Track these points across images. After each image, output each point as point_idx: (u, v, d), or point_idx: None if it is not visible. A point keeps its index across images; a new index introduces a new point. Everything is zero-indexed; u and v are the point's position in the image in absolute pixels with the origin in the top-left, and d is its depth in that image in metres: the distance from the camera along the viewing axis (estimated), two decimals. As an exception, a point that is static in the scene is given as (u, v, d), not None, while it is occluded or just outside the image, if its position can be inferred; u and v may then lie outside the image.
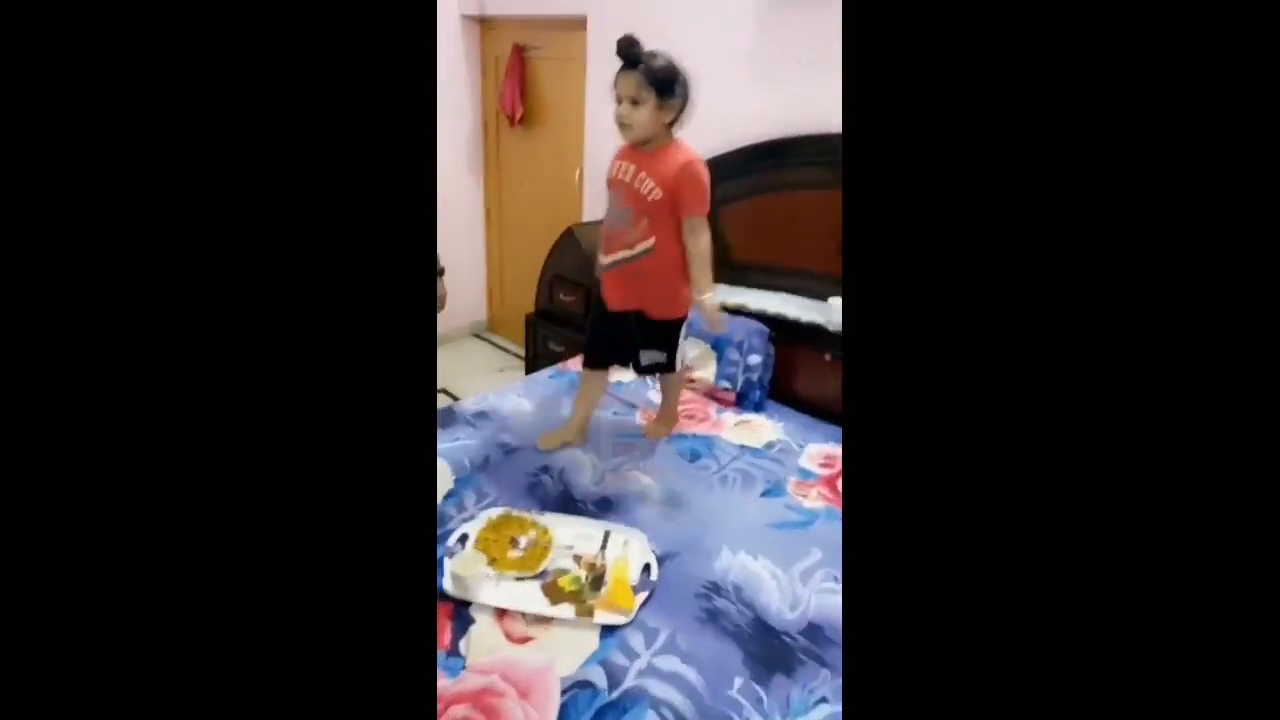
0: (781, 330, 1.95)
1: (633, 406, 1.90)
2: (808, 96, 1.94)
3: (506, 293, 3.41)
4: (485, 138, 3.19)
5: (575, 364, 2.00)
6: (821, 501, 1.51)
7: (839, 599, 1.19)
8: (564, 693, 1.00)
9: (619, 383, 1.98)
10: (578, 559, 1.27)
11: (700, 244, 1.44)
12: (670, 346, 1.60)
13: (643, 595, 1.18)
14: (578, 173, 2.75)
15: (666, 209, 1.42)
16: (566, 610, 1.15)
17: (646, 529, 1.36)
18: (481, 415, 1.80)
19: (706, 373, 1.94)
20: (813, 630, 1.14)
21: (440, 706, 0.96)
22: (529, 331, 2.63)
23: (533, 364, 2.63)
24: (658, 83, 1.37)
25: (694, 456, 1.65)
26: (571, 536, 1.33)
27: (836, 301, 1.85)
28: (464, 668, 1.03)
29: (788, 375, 1.98)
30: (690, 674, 1.04)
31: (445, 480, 1.49)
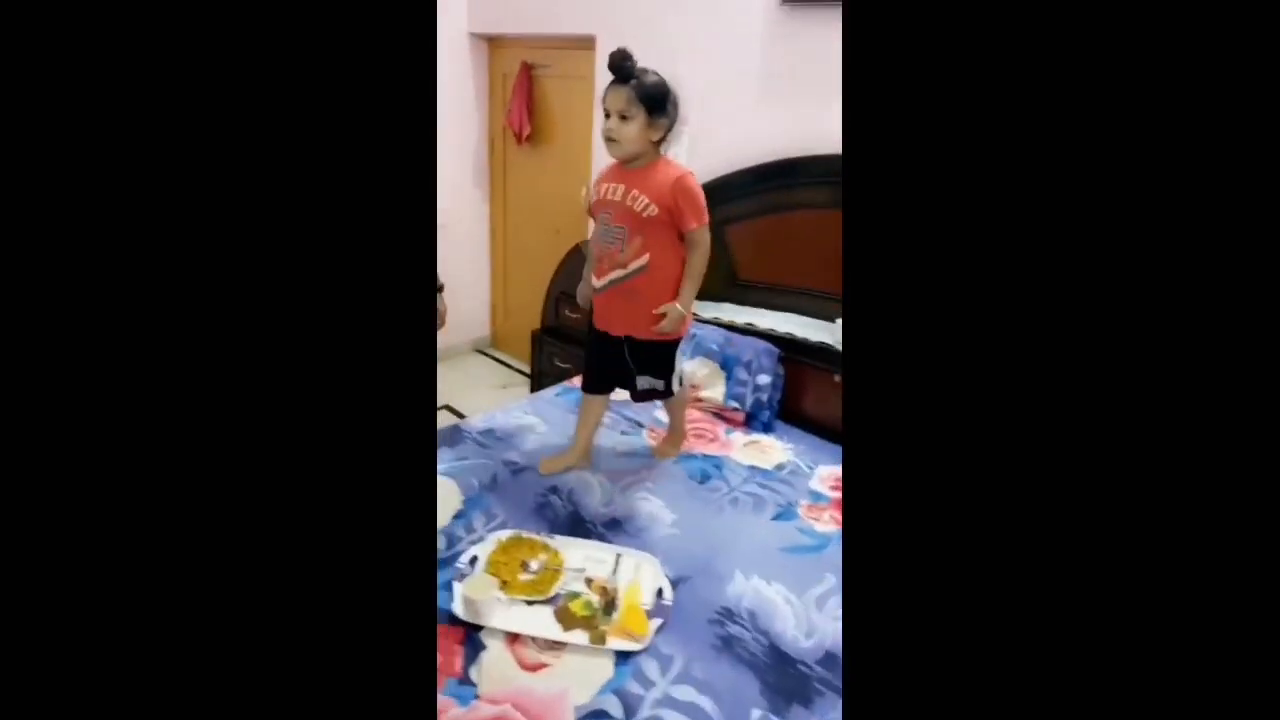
0: (789, 350, 1.95)
1: (640, 426, 1.89)
2: (815, 117, 1.96)
3: (510, 309, 3.40)
4: (491, 155, 3.20)
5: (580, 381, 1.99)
6: (834, 525, 1.49)
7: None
8: (578, 723, 0.97)
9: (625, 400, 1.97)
10: (589, 582, 1.25)
11: (695, 259, 1.44)
12: (666, 370, 1.57)
13: (656, 621, 1.16)
14: (584, 190, 2.74)
15: (661, 225, 1.41)
16: (579, 636, 1.13)
17: (658, 552, 1.35)
18: (489, 434, 1.78)
19: (715, 392, 1.93)
20: (830, 660, 1.12)
21: (452, 737, 0.94)
22: (534, 348, 2.62)
23: (538, 380, 2.62)
24: (648, 99, 1.36)
25: (704, 478, 1.64)
26: (582, 559, 1.31)
27: (846, 322, 1.85)
28: (476, 696, 1.01)
29: (796, 395, 1.97)
30: (707, 704, 1.02)
31: (453, 500, 1.48)
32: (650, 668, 1.08)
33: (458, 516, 1.43)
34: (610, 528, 1.44)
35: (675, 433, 1.74)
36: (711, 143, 2.19)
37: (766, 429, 1.89)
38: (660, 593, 1.23)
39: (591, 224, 1.60)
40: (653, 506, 1.51)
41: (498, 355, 3.47)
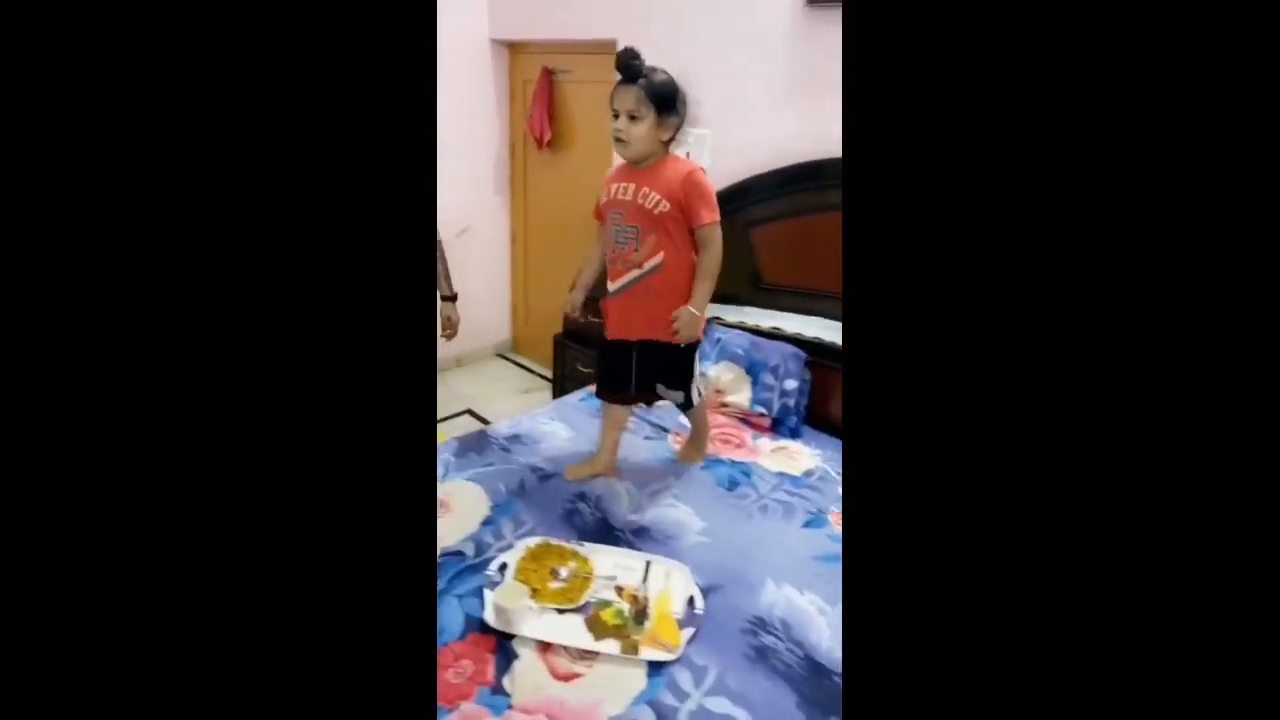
0: (816, 354, 1.92)
1: (665, 430, 1.87)
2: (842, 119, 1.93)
3: (531, 313, 3.41)
4: (512, 160, 3.22)
5: (607, 387, 1.98)
6: (865, 533, 1.46)
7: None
8: (613, 735, 0.96)
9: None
10: (619, 591, 1.24)
11: (709, 257, 1.41)
12: (685, 379, 1.54)
13: (688, 631, 1.15)
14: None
15: (674, 221, 1.40)
16: (611, 646, 1.11)
17: (687, 560, 1.33)
18: (515, 439, 1.78)
19: (741, 397, 1.91)
20: (867, 671, 1.10)
21: (487, 748, 0.93)
22: (557, 352, 2.62)
23: (560, 385, 2.62)
24: (658, 98, 1.34)
25: (732, 484, 1.62)
26: (612, 567, 1.30)
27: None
28: (509, 706, 1.00)
29: (823, 401, 1.94)
30: (743, 716, 1.00)
31: (482, 506, 1.47)
32: (684, 678, 1.07)
33: (486, 523, 1.43)
34: (639, 535, 1.43)
35: (698, 436, 1.72)
36: (736, 145, 2.18)
37: (794, 435, 1.87)
38: (691, 601, 1.22)
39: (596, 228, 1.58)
40: (681, 514, 1.50)
41: (519, 360, 3.48)
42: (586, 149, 2.84)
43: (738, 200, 2.15)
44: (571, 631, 1.14)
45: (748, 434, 1.87)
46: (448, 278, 2.07)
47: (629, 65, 1.33)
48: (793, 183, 2.04)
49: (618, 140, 1.38)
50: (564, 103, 2.89)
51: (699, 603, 1.21)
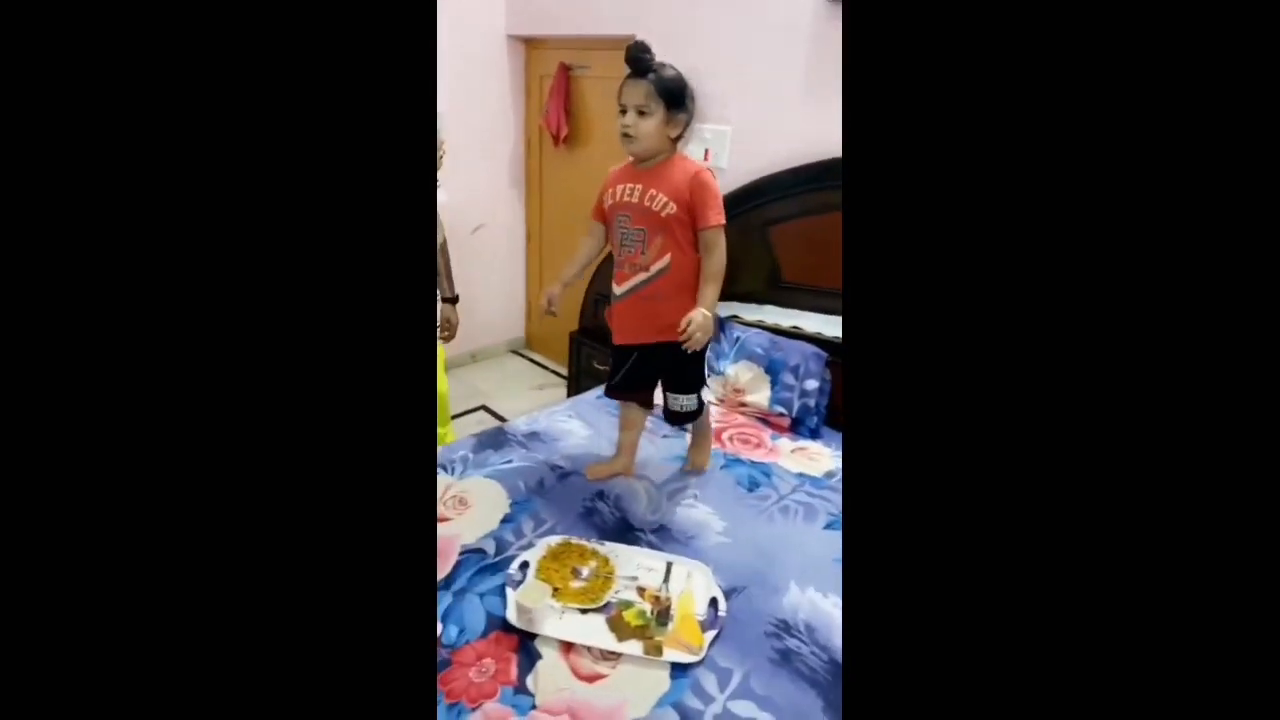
0: (836, 354, 1.91)
1: (685, 429, 1.86)
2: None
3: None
4: (528, 156, 3.21)
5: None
6: (888, 535, 1.45)
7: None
8: (638, 737, 0.96)
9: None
10: (641, 591, 1.23)
11: (715, 260, 1.36)
12: (696, 384, 1.51)
13: (712, 633, 1.14)
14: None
15: (681, 224, 1.36)
16: (634, 646, 1.11)
17: (708, 560, 1.32)
18: (533, 436, 1.78)
19: (760, 397, 1.90)
20: (893, 676, 1.08)
21: (511, 748, 0.93)
22: (572, 349, 2.62)
23: (576, 381, 2.61)
24: (667, 94, 1.30)
25: (752, 485, 1.61)
26: (633, 567, 1.29)
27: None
28: (533, 706, 1.00)
29: (842, 401, 1.93)
30: (769, 721, 0.99)
31: (501, 504, 1.47)
32: (708, 681, 1.06)
33: (506, 520, 1.42)
34: (659, 535, 1.42)
35: (703, 437, 1.67)
36: (755, 142, 2.16)
37: (814, 435, 1.85)
38: (714, 603, 1.21)
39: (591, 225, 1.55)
40: (701, 514, 1.49)
41: (533, 356, 3.48)
42: (602, 145, 2.82)
43: (757, 198, 2.13)
44: (594, 632, 1.13)
45: (767, 434, 1.86)
46: (449, 278, 2.04)
47: (638, 59, 1.30)
48: (813, 180, 2.02)
49: (625, 136, 1.34)
50: (580, 98, 2.88)
51: (722, 604, 1.20)
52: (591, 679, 1.05)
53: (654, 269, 1.40)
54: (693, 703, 1.01)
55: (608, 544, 1.36)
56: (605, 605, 1.19)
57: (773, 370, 1.89)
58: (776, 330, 2.00)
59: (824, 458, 1.74)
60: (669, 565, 1.30)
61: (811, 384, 1.86)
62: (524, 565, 1.27)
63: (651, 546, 1.38)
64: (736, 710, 1.01)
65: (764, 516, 1.50)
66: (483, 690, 1.01)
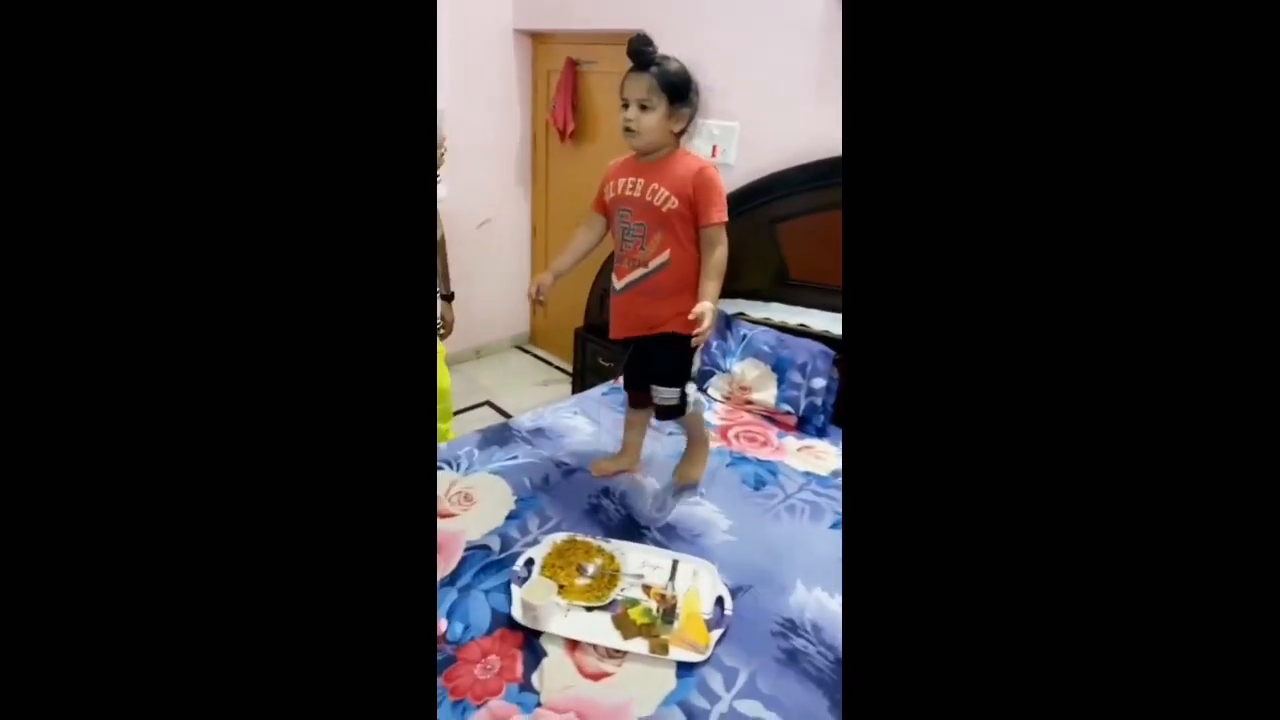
0: (843, 352, 1.89)
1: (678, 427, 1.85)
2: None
3: (550, 306, 3.37)
4: (534, 152, 3.20)
5: (630, 382, 1.96)
6: (895, 535, 1.44)
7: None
8: (644, 736, 0.95)
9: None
10: (647, 589, 1.23)
11: (717, 257, 1.32)
12: (681, 377, 1.44)
13: (718, 631, 1.13)
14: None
15: (682, 219, 1.33)
16: (640, 645, 1.10)
17: (714, 559, 1.31)
18: (538, 432, 1.77)
19: (766, 395, 1.89)
20: (901, 677, 1.07)
21: (516, 746, 0.92)
22: (577, 345, 2.61)
23: (580, 378, 2.61)
24: (670, 88, 1.27)
25: (758, 483, 1.60)
26: (639, 564, 1.29)
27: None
28: (538, 704, 0.99)
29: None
30: (775, 721, 0.98)
31: (507, 500, 1.47)
32: (714, 680, 1.05)
33: (511, 517, 1.42)
34: (664, 532, 1.41)
35: (695, 448, 1.59)
36: (764, 139, 2.14)
37: (820, 434, 1.84)
38: (720, 601, 1.20)
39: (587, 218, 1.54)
40: (706, 511, 1.48)
41: (537, 352, 3.47)
42: (609, 141, 2.81)
43: (764, 194, 2.12)
44: (600, 630, 1.13)
45: (773, 432, 1.85)
46: (446, 276, 2.04)
47: (640, 52, 1.27)
48: (821, 177, 2.01)
49: (627, 130, 1.31)
50: (587, 93, 2.86)
51: (728, 603, 1.20)
52: (597, 677, 1.05)
53: (653, 264, 1.38)
54: (699, 702, 1.01)
55: (613, 541, 1.35)
56: (611, 603, 1.19)
57: (780, 368, 1.88)
58: (783, 328, 1.99)
59: (830, 456, 1.73)
60: (675, 563, 1.30)
61: (819, 382, 1.84)
62: (529, 562, 1.27)
63: (657, 544, 1.37)
64: (743, 710, 1.00)
65: (770, 515, 1.49)
66: (488, 687, 1.01)
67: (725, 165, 2.22)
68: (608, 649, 1.09)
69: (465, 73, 2.79)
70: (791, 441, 1.81)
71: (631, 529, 1.43)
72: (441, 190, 1.99)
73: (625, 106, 1.31)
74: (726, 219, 1.34)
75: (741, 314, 2.08)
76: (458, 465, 1.59)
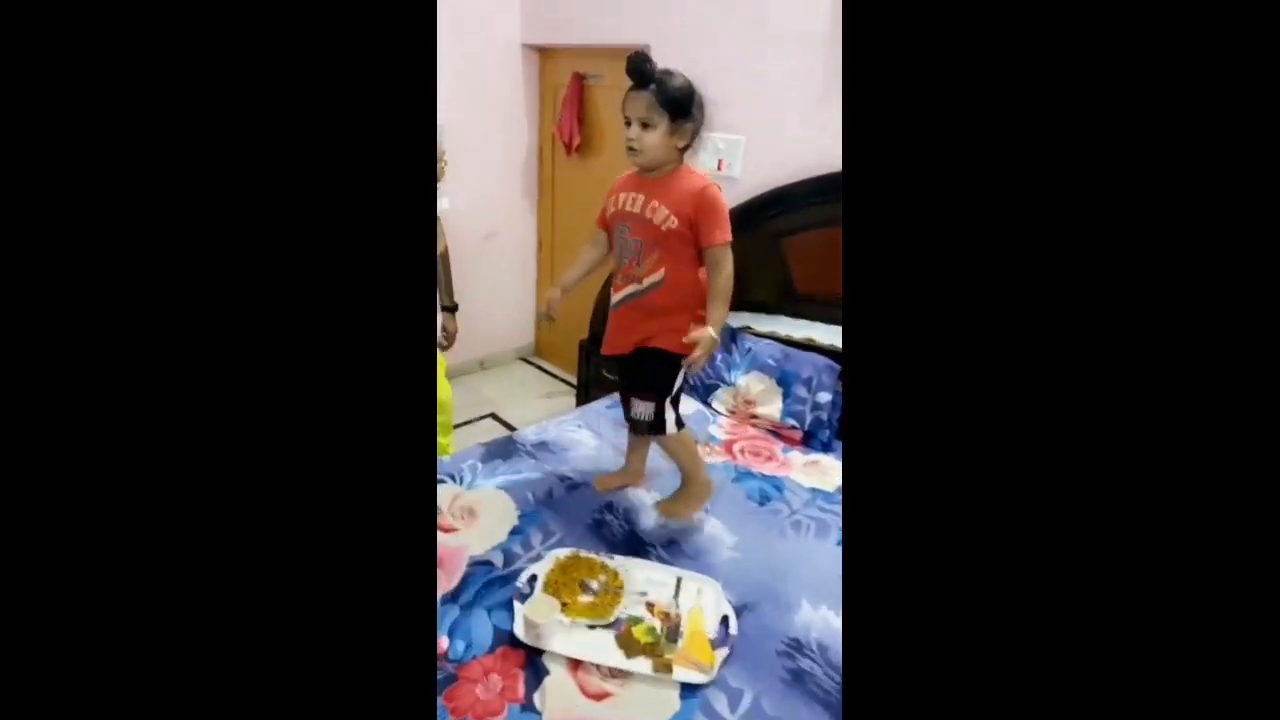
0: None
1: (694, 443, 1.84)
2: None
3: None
4: (541, 165, 3.21)
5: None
6: (903, 553, 1.42)
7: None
8: (647, 759, 0.93)
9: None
10: (651, 607, 1.21)
11: (723, 279, 1.30)
12: (662, 391, 1.38)
13: (723, 651, 1.11)
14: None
15: (680, 239, 1.30)
16: (643, 664, 1.08)
17: (719, 576, 1.30)
18: (541, 446, 1.76)
19: (771, 409, 1.88)
20: (909, 700, 1.05)
21: (517, 768, 0.91)
22: (582, 358, 2.60)
23: (585, 391, 2.60)
24: (671, 105, 1.24)
25: (764, 499, 1.59)
26: (643, 581, 1.27)
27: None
28: (540, 725, 0.98)
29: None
30: (781, 745, 0.96)
31: (510, 515, 1.46)
32: (719, 702, 1.03)
33: (515, 532, 1.41)
34: (668, 548, 1.40)
35: (686, 484, 1.49)
36: (769, 152, 2.15)
37: (826, 448, 1.83)
38: (725, 620, 1.18)
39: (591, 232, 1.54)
40: (711, 528, 1.47)
41: (542, 364, 3.47)
42: (615, 155, 2.82)
43: (770, 208, 2.12)
44: (602, 648, 1.11)
45: (778, 447, 1.83)
46: (448, 288, 2.04)
47: (639, 70, 1.24)
48: (827, 191, 2.00)
49: (630, 149, 1.29)
50: (594, 108, 2.88)
51: (733, 623, 1.18)
52: (599, 697, 1.03)
53: (646, 282, 1.35)
54: (703, 724, 0.99)
55: (617, 557, 1.34)
56: (615, 621, 1.17)
57: (785, 382, 1.87)
58: (789, 341, 1.98)
59: (836, 472, 1.72)
60: (679, 580, 1.28)
61: (824, 396, 1.83)
62: (532, 579, 1.25)
63: (661, 560, 1.36)
64: (748, 733, 0.98)
65: (775, 531, 1.47)
66: (489, 707, 0.99)
67: (731, 179, 2.22)
68: (610, 668, 1.08)
69: (473, 87, 2.82)
70: (797, 456, 1.79)
71: (635, 545, 1.41)
72: (443, 203, 1.99)
73: (628, 125, 1.29)
74: (730, 239, 1.31)
75: (747, 327, 2.08)
76: (461, 479, 1.58)
